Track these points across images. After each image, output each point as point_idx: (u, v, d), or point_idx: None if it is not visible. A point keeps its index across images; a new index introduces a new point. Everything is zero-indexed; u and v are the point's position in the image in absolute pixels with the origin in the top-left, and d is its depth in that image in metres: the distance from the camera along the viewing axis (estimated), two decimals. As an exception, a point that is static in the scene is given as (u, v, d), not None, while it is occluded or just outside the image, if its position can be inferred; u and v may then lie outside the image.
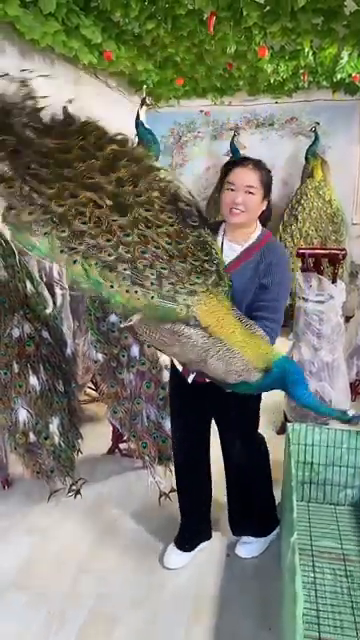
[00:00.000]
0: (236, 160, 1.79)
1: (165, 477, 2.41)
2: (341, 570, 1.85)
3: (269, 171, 1.77)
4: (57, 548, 2.19)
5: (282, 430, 3.00)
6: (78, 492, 2.38)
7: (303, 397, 1.62)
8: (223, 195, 1.74)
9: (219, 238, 1.79)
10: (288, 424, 2.21)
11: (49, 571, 2.06)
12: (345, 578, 1.82)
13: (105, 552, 2.18)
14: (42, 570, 2.07)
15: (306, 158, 5.35)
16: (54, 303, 2.86)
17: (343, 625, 1.62)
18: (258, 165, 1.73)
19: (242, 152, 5.51)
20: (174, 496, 2.27)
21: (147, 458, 2.38)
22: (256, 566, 2.08)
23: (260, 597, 1.92)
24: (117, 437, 2.95)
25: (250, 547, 2.14)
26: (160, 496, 2.35)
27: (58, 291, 2.97)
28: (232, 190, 1.71)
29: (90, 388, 3.57)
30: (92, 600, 1.91)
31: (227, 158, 5.51)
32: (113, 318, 2.53)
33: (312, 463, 2.21)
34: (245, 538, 2.16)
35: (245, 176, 1.70)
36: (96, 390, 3.69)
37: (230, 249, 1.78)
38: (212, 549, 2.17)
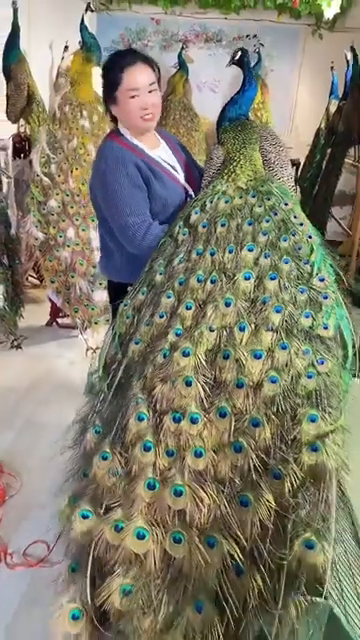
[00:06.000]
0: (114, 59, 1.57)
1: (92, 337, 2.95)
2: None
3: (152, 60, 1.61)
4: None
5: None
6: (19, 346, 2.90)
7: None
8: (124, 105, 1.55)
9: (153, 154, 1.64)
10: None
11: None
12: None
13: (39, 390, 2.75)
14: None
15: (249, 78, 5.59)
16: (0, 189, 3.20)
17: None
18: (146, 58, 1.58)
19: (190, 66, 5.69)
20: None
21: (78, 320, 2.91)
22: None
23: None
24: (55, 312, 3.45)
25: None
26: (87, 350, 2.90)
27: (4, 179, 3.30)
28: (136, 97, 1.53)
29: (32, 276, 4.01)
30: (26, 416, 2.52)
31: (174, 70, 5.68)
32: (52, 203, 2.93)
33: None
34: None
35: (144, 75, 1.54)
36: (38, 278, 4.14)
37: (167, 154, 1.69)
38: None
